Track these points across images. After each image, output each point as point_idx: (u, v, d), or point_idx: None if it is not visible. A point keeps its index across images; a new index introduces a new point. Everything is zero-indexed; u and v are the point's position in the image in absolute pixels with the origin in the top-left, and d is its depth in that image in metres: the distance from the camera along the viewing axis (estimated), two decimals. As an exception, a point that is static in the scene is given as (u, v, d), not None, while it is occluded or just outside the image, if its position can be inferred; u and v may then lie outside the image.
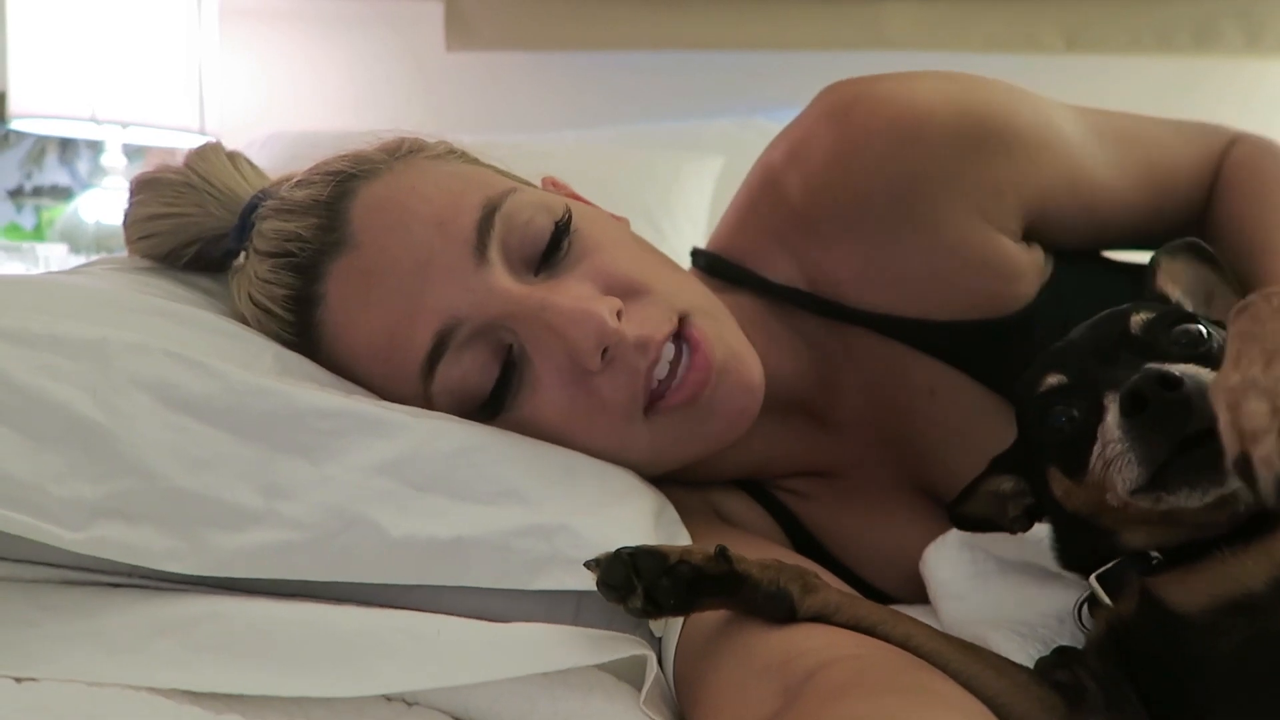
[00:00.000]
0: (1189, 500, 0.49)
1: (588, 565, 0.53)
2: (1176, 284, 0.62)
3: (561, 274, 0.68)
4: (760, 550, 0.71)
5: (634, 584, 0.52)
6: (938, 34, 2.23)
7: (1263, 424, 0.37)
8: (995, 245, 0.76)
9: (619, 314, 0.66)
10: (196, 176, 0.77)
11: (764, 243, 0.81)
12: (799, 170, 0.78)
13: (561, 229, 0.69)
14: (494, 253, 0.67)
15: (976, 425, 0.77)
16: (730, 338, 0.71)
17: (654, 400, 0.68)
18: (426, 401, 0.67)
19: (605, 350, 0.65)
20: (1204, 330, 0.54)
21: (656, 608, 0.53)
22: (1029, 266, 0.78)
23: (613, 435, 0.68)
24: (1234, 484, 0.48)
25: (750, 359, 0.71)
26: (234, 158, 0.81)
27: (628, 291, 0.68)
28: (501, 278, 0.66)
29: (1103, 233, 0.83)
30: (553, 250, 0.68)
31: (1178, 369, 0.49)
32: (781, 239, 0.80)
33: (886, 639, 0.54)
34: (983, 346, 0.77)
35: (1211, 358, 0.52)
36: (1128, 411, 0.49)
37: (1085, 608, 0.59)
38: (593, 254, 0.70)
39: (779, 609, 0.55)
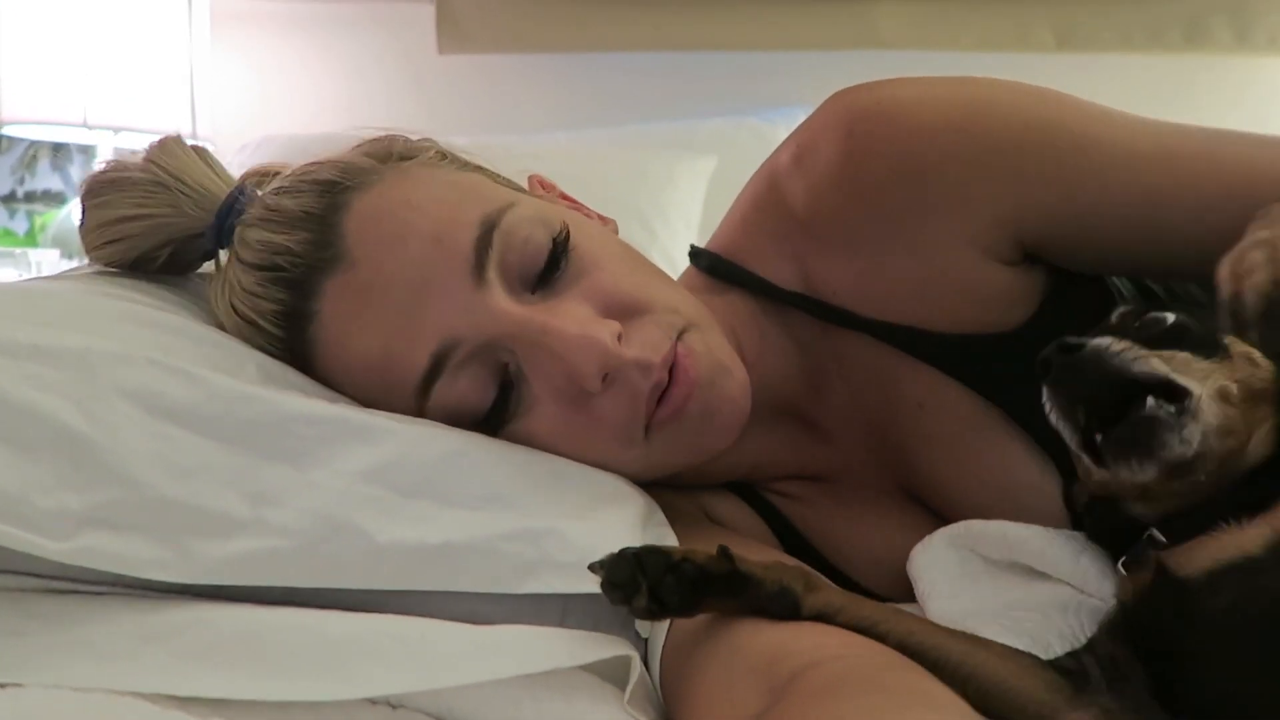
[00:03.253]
0: (1137, 474, 0.52)
1: (591, 567, 0.53)
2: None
3: (559, 292, 0.68)
4: (752, 552, 0.71)
5: (639, 583, 0.52)
6: (930, 33, 2.23)
7: (1258, 263, 0.44)
8: (980, 272, 0.74)
9: (619, 336, 0.66)
10: (165, 174, 0.74)
11: (765, 244, 0.80)
12: (803, 178, 0.77)
13: (560, 247, 0.68)
14: (492, 272, 0.66)
15: (966, 441, 0.77)
16: (717, 350, 0.71)
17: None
18: (420, 417, 0.67)
19: (606, 374, 0.65)
20: (1169, 318, 0.58)
21: (661, 607, 0.53)
22: (1019, 294, 0.76)
23: (609, 453, 0.68)
24: (1177, 451, 0.52)
25: (736, 371, 0.71)
26: (199, 152, 0.77)
27: (627, 311, 0.68)
28: (500, 299, 0.65)
29: (1170, 260, 0.74)
30: (551, 269, 0.68)
31: (1102, 340, 0.54)
32: (782, 242, 0.79)
33: (888, 636, 0.54)
34: (975, 360, 0.76)
35: (1174, 340, 0.56)
36: (1040, 377, 0.56)
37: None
38: (591, 272, 0.69)
39: (783, 608, 0.55)
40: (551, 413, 0.67)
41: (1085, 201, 0.73)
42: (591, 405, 0.66)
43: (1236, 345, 0.58)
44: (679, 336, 0.69)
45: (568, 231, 0.69)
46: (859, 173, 0.74)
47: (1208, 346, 0.57)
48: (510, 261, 0.67)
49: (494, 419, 0.67)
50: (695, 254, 0.85)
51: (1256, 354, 0.58)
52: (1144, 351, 0.55)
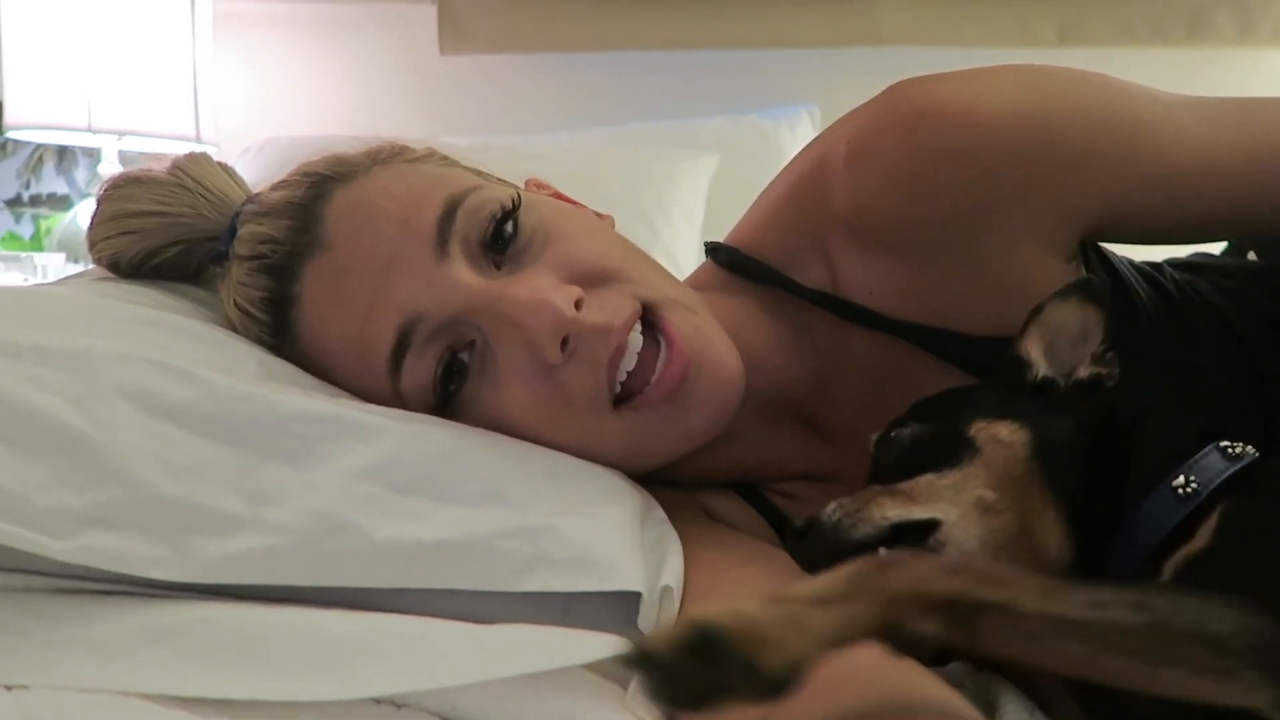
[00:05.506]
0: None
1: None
2: (1046, 337, 0.63)
3: (524, 266, 0.69)
4: (750, 548, 0.71)
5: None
6: (932, 29, 2.23)
7: None
8: (1039, 270, 0.73)
9: (579, 302, 0.66)
10: (189, 179, 0.77)
11: (794, 240, 0.79)
12: (856, 178, 0.75)
13: (506, 214, 0.69)
14: (455, 248, 0.67)
15: None
16: (707, 330, 0.71)
17: (631, 394, 0.68)
18: (399, 400, 0.68)
19: (566, 340, 0.65)
20: (906, 432, 0.59)
21: None
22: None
23: (582, 430, 0.68)
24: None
25: (728, 353, 0.71)
26: (224, 166, 0.81)
27: (591, 279, 0.68)
28: (462, 272, 0.67)
29: (1195, 225, 0.79)
30: (500, 236, 0.68)
31: (825, 515, 0.55)
32: (814, 239, 0.78)
33: None
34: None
35: (919, 456, 0.55)
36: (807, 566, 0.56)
37: None
38: (556, 243, 0.70)
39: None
40: (519, 389, 0.67)
41: (1146, 181, 0.74)
42: (556, 378, 0.66)
43: (983, 433, 0.55)
44: (658, 313, 0.69)
45: (518, 200, 0.70)
46: (924, 174, 0.72)
47: (955, 448, 0.54)
48: (473, 238, 0.68)
49: (461, 395, 0.67)
50: (714, 249, 0.84)
51: (1003, 431, 0.55)
52: (878, 495, 0.53)
